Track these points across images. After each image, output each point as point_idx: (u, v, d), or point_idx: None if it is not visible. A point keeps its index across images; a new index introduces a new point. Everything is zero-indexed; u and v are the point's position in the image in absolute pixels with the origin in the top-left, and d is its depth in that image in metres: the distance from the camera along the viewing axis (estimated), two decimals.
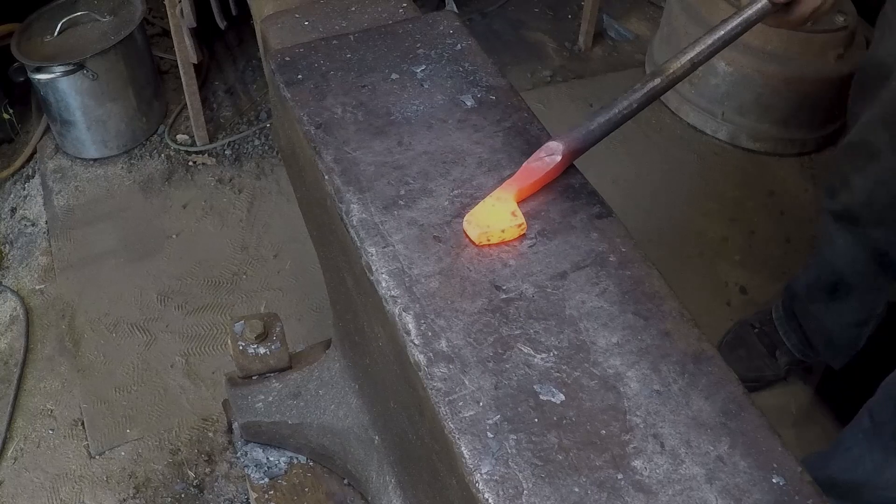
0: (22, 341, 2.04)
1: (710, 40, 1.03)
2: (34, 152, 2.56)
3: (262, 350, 1.36)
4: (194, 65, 2.33)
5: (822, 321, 1.85)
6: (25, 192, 2.47)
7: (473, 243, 0.87)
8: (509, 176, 0.92)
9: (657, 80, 0.99)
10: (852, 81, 1.66)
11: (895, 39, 1.49)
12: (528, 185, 0.90)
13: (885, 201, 1.56)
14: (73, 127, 2.42)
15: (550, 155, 0.92)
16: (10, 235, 2.36)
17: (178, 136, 2.56)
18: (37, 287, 2.18)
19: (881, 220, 1.60)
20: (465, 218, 0.88)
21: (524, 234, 0.88)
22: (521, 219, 0.87)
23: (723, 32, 1.04)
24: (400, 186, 0.91)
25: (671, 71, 1.00)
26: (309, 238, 1.24)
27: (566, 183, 0.93)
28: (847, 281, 1.73)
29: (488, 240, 0.86)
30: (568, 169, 0.94)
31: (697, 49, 1.02)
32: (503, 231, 0.87)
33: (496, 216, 0.87)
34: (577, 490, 0.67)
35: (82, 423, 1.90)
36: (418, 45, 1.10)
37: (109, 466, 1.83)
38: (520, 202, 0.90)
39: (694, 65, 1.02)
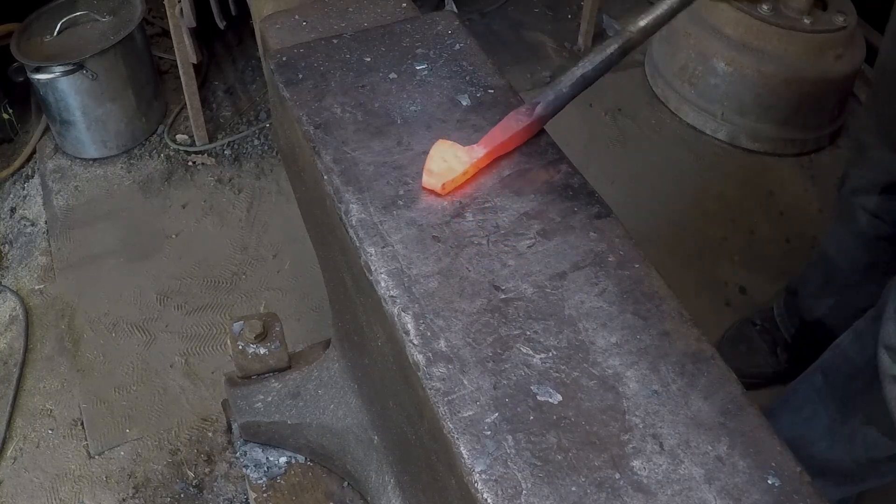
0: (21, 341, 2.04)
1: (666, 5, 0.99)
2: (34, 152, 2.56)
3: (261, 350, 1.36)
4: (194, 65, 2.33)
5: (824, 316, 1.84)
6: (25, 192, 2.47)
7: (438, 193, 0.89)
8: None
9: (614, 47, 0.98)
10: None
11: None
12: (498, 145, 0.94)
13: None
14: (73, 127, 2.42)
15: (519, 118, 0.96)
16: (10, 235, 2.36)
17: (178, 136, 2.56)
18: (36, 287, 2.18)
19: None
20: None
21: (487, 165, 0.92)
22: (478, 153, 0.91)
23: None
24: (399, 186, 0.91)
25: (638, 28, 0.98)
26: (308, 238, 1.24)
27: (565, 183, 0.93)
28: (845, 269, 1.74)
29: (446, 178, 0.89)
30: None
31: (655, 13, 0.99)
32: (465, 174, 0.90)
33: (452, 159, 0.90)
34: (575, 490, 0.67)
35: (82, 423, 1.90)
36: (417, 44, 1.10)
37: (109, 466, 1.83)
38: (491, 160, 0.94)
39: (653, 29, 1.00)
